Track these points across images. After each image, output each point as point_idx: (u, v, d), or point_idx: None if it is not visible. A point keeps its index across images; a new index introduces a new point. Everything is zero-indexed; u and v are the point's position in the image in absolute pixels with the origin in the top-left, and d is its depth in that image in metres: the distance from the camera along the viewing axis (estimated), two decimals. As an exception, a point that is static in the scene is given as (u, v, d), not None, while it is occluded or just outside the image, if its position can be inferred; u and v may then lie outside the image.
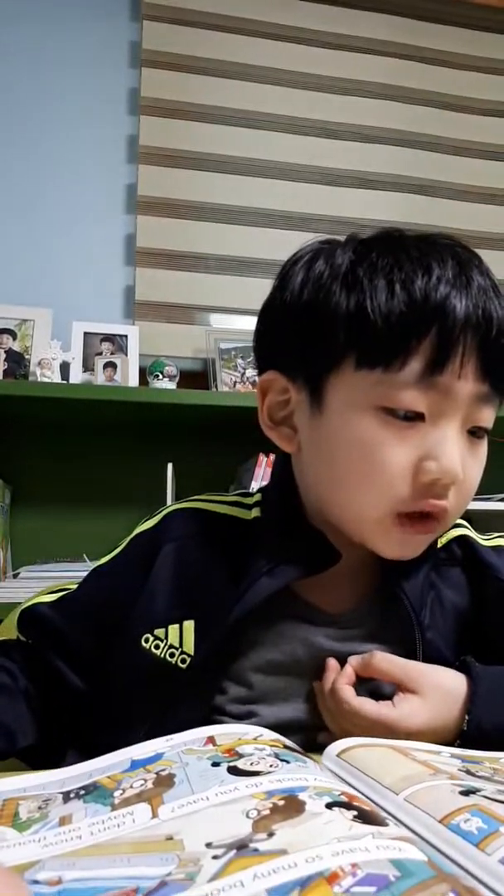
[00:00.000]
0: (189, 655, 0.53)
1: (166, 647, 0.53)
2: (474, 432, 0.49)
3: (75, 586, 0.60)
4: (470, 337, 0.46)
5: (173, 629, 0.54)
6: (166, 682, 0.52)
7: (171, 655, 0.53)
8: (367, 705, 0.48)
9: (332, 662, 0.52)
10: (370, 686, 0.51)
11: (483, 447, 0.51)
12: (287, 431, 0.54)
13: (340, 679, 0.50)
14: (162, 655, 0.53)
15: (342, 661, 0.52)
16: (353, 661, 0.51)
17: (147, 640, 0.54)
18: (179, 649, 0.53)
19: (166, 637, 0.54)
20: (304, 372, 0.52)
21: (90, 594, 0.59)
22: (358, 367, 0.47)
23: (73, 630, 0.57)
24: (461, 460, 0.47)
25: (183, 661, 0.53)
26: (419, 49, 2.06)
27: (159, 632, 0.54)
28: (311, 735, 0.51)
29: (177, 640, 0.53)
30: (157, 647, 0.53)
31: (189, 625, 0.54)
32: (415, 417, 0.47)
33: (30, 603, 0.60)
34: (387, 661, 0.50)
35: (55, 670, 0.56)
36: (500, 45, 2.13)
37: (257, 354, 0.57)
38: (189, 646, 0.53)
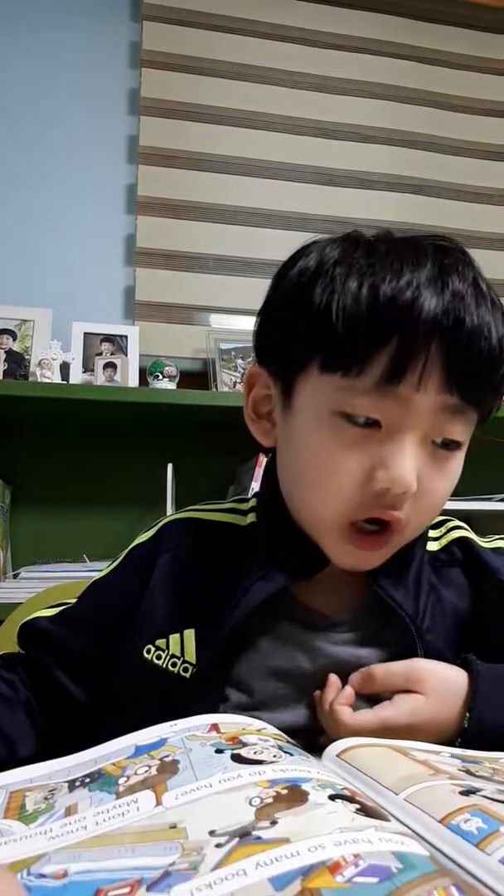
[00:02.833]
0: (191, 664, 0.53)
1: (168, 656, 0.53)
2: (445, 446, 0.48)
3: (75, 601, 0.60)
4: (435, 347, 0.44)
5: (174, 638, 0.54)
6: (170, 692, 0.52)
7: (174, 665, 0.53)
8: (366, 717, 0.47)
9: (333, 679, 0.52)
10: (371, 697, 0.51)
11: (454, 461, 0.49)
12: (266, 425, 0.55)
13: (339, 699, 0.49)
14: (164, 665, 0.53)
15: (344, 667, 0.52)
16: (354, 680, 0.51)
17: (149, 651, 0.54)
18: (181, 658, 0.53)
19: (167, 647, 0.54)
20: (280, 369, 0.52)
21: (90, 609, 0.59)
22: (322, 370, 0.47)
23: (74, 644, 0.57)
24: (420, 472, 0.46)
25: (185, 669, 0.53)
26: (417, 49, 2.06)
27: (160, 642, 0.54)
28: (312, 739, 0.51)
29: (178, 649, 0.53)
30: (158, 657, 0.54)
31: (189, 633, 0.54)
32: (373, 424, 0.46)
33: (30, 617, 0.60)
34: (386, 673, 0.49)
35: (57, 682, 0.56)
36: (499, 45, 2.13)
37: (255, 350, 0.57)
38: (190, 654, 0.53)
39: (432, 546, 0.59)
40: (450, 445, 0.48)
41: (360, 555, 0.50)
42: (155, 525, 0.62)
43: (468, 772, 0.35)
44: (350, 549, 0.50)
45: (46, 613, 0.60)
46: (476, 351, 0.45)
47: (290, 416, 0.51)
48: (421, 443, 0.47)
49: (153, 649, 0.54)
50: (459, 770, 0.36)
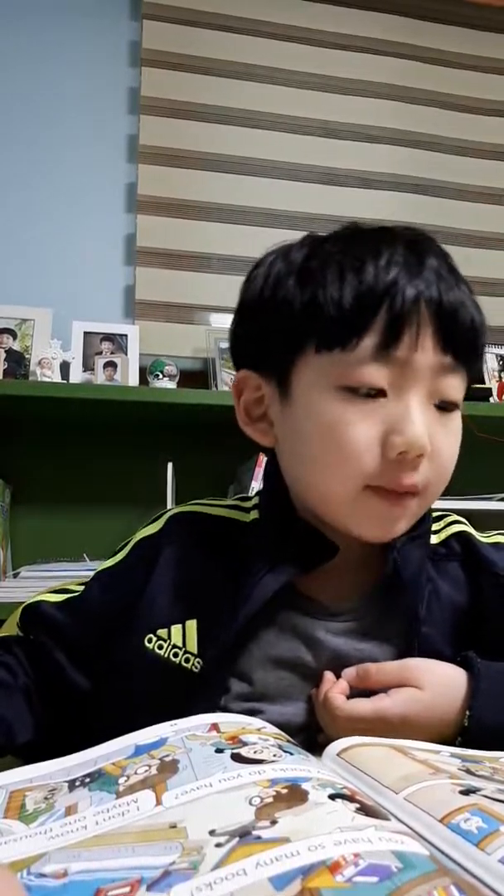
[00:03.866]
0: (192, 654, 0.53)
1: (170, 646, 0.54)
2: (445, 407, 0.50)
3: (80, 588, 0.61)
4: (424, 311, 0.47)
5: (176, 629, 0.54)
6: (171, 682, 0.52)
7: (175, 655, 0.53)
8: (360, 704, 0.48)
9: (328, 675, 0.52)
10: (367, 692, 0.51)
11: (455, 420, 0.51)
12: (263, 427, 0.56)
13: (333, 689, 0.50)
14: (166, 655, 0.54)
15: (344, 658, 0.52)
16: (348, 674, 0.51)
17: (150, 641, 0.54)
18: (183, 649, 0.53)
19: (169, 637, 0.54)
20: (271, 365, 0.53)
21: (95, 599, 0.59)
22: (317, 351, 0.49)
23: (78, 632, 0.57)
24: (428, 432, 0.47)
25: (186, 660, 0.53)
26: (420, 49, 2.06)
27: (162, 632, 0.54)
28: (312, 736, 0.51)
29: (180, 639, 0.54)
30: (160, 647, 0.54)
31: (191, 624, 0.54)
32: (376, 394, 0.48)
33: (34, 600, 0.60)
34: (381, 671, 0.50)
35: (58, 668, 0.56)
36: (501, 45, 2.13)
37: (233, 356, 0.58)
38: (192, 645, 0.53)
39: (432, 539, 0.59)
40: (448, 406, 0.50)
41: (385, 516, 0.50)
42: (160, 517, 0.62)
43: (468, 771, 0.35)
44: (375, 513, 0.50)
45: (51, 599, 0.60)
46: (461, 319, 0.48)
47: (290, 407, 0.52)
48: (426, 404, 0.49)
49: (154, 639, 0.54)
50: (459, 769, 0.36)
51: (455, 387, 0.50)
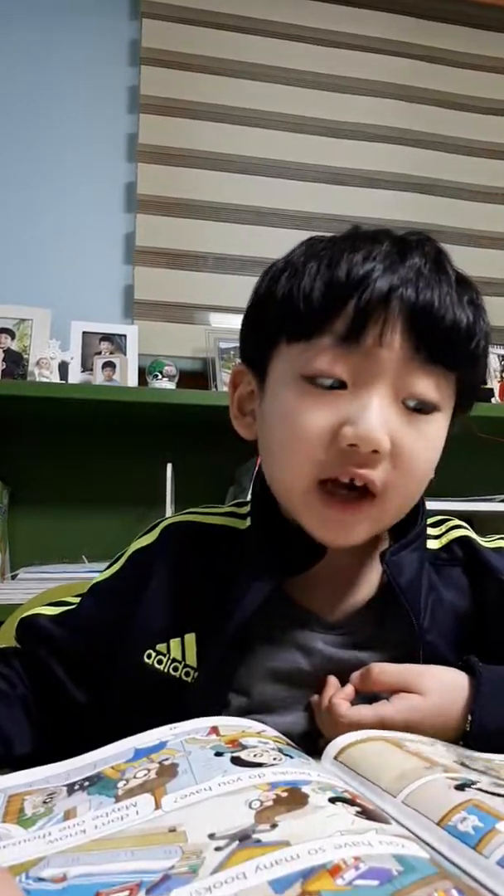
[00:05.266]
0: (192, 668, 0.53)
1: (169, 661, 0.54)
2: (420, 409, 0.48)
3: (76, 600, 0.60)
4: (396, 308, 0.46)
5: (175, 643, 0.54)
6: (172, 696, 0.52)
7: (175, 669, 0.53)
8: (364, 711, 0.47)
9: (332, 679, 0.52)
10: (369, 698, 0.51)
11: (431, 425, 0.49)
12: (249, 420, 0.56)
13: (337, 695, 0.49)
14: (165, 670, 0.53)
15: (343, 668, 0.52)
16: (353, 679, 0.50)
17: (149, 656, 0.54)
18: (182, 662, 0.53)
19: (168, 651, 0.54)
20: (255, 359, 0.54)
21: (91, 612, 0.59)
22: (288, 343, 0.49)
23: (75, 646, 0.57)
24: (391, 431, 0.46)
25: (187, 674, 0.53)
26: (423, 48, 2.05)
27: (161, 646, 0.54)
28: (312, 745, 0.51)
29: (179, 653, 0.54)
30: (159, 661, 0.54)
31: (190, 637, 0.54)
32: (338, 387, 0.47)
33: (29, 613, 0.60)
34: (384, 673, 0.49)
35: (56, 681, 0.56)
36: (504, 45, 2.13)
37: (240, 352, 0.58)
38: (192, 658, 0.53)
39: (432, 545, 0.59)
40: (425, 408, 0.48)
41: (336, 519, 0.49)
42: (154, 528, 0.62)
43: (463, 764, 0.35)
44: (326, 515, 0.49)
45: (47, 612, 0.59)
46: (437, 318, 0.46)
47: (264, 399, 0.53)
48: (391, 401, 0.47)
49: (153, 654, 0.54)
50: (454, 763, 0.36)
51: (429, 386, 0.48)
